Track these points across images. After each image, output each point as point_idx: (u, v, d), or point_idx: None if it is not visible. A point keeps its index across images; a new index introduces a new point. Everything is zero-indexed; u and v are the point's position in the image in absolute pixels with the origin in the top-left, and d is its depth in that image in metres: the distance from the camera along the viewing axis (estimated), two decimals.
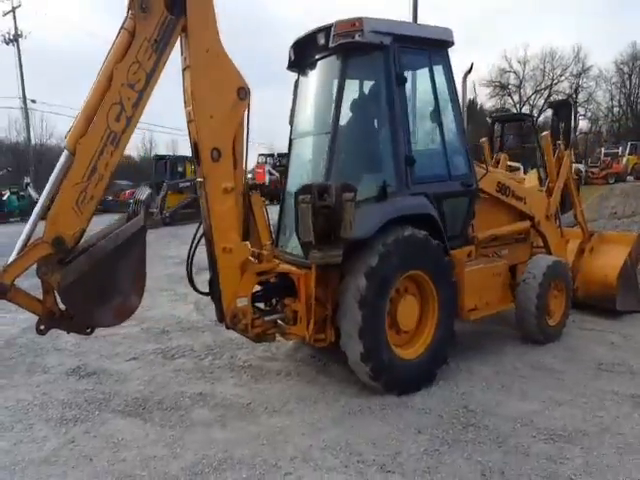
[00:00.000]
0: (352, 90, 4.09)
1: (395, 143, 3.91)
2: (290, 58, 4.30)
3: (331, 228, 3.41)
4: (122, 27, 3.24)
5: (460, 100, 4.86)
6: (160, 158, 22.32)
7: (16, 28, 30.48)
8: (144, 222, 3.31)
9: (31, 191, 22.76)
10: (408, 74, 4.08)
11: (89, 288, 3.13)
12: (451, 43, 4.28)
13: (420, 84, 4.33)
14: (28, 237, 3.11)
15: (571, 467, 2.90)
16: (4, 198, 24.31)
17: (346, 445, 3.17)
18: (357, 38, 3.73)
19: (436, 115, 4.23)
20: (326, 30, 3.86)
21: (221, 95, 3.53)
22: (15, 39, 30.47)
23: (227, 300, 3.74)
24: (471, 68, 4.86)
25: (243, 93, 3.61)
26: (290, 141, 4.50)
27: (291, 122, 4.48)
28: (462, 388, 3.94)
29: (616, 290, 5.35)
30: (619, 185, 8.89)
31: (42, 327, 3.19)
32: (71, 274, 3.06)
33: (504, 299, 4.66)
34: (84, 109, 3.16)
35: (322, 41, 3.88)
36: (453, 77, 4.33)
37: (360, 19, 3.77)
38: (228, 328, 3.86)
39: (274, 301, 4.33)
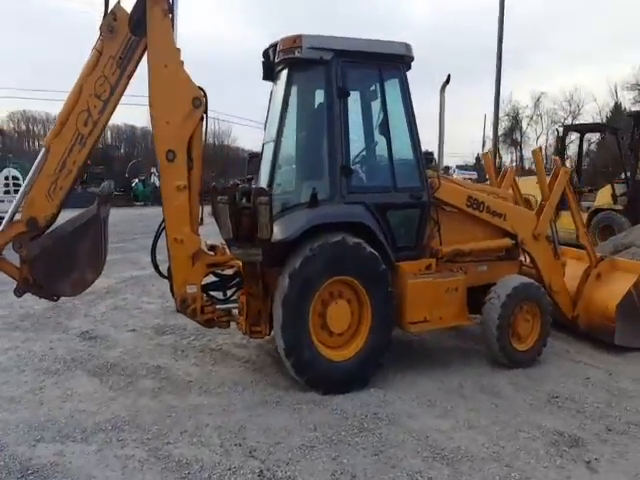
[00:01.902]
0: (298, 102, 4.25)
1: (332, 153, 4.02)
2: (262, 68, 4.59)
3: (252, 229, 3.65)
4: (93, 48, 3.82)
5: (439, 111, 4.78)
6: (254, 156, 23.75)
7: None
8: (97, 211, 3.89)
9: (155, 179, 25.61)
10: (353, 87, 4.15)
11: (50, 262, 3.77)
12: (407, 57, 4.26)
13: (368, 97, 4.34)
14: (12, 215, 3.82)
15: None
16: (133, 185, 27.90)
17: (239, 429, 3.38)
18: (297, 54, 3.96)
19: (384, 128, 4.22)
20: (274, 46, 4.11)
21: (177, 104, 3.96)
22: None
23: (177, 286, 4.15)
24: (448, 79, 4.72)
25: (197, 102, 4.01)
26: (262, 145, 4.79)
27: (264, 128, 4.78)
28: (388, 397, 3.90)
29: (615, 322, 4.76)
30: None
31: (19, 291, 3.89)
32: (35, 249, 3.72)
33: (461, 315, 4.45)
34: (60, 115, 3.81)
35: (272, 56, 4.12)
36: (408, 90, 4.30)
37: (300, 36, 3.98)
38: (178, 311, 4.27)
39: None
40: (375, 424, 3.47)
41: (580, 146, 12.46)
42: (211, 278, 4.52)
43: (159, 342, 5.20)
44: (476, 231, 4.78)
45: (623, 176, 10.70)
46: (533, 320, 4.54)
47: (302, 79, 4.18)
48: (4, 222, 3.80)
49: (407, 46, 4.26)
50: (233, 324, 4.45)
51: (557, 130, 11.63)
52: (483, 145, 11.58)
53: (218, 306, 4.40)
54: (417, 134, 4.36)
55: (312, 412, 3.65)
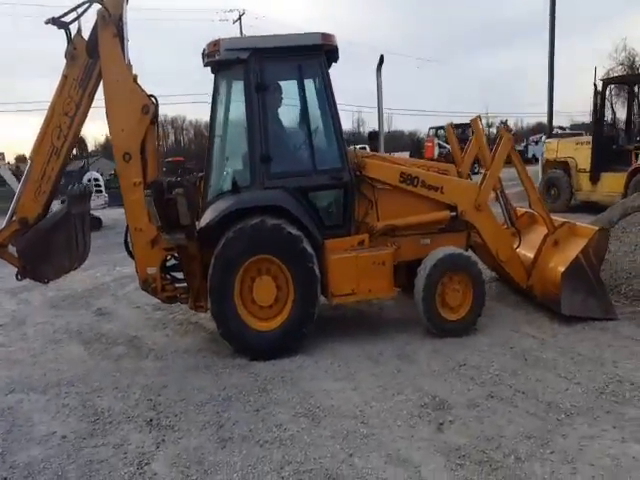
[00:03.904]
0: (224, 99, 4.61)
1: (252, 143, 4.35)
2: None
3: (176, 217, 4.16)
4: (62, 74, 4.53)
5: (377, 92, 4.85)
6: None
7: (242, 34, 36.34)
8: (68, 209, 4.65)
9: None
10: (272, 81, 4.42)
11: (33, 252, 4.62)
12: (325, 46, 4.42)
13: (288, 88, 4.56)
14: (12, 213, 4.72)
15: (268, 435, 3.15)
16: None
17: (160, 388, 3.92)
18: (217, 57, 4.33)
19: (304, 116, 4.45)
20: (204, 50, 4.49)
21: (129, 113, 4.54)
22: None
23: (140, 268, 4.81)
24: (381, 60, 4.74)
25: (146, 109, 4.55)
26: None
27: None
28: (307, 362, 4.20)
29: (561, 291, 4.50)
30: None
31: (19, 276, 4.82)
32: (22, 242, 4.59)
33: (388, 288, 4.56)
34: (39, 131, 4.60)
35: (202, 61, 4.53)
36: (328, 77, 4.46)
37: (218, 40, 4.34)
38: (143, 289, 4.94)
39: None
40: (275, 385, 3.84)
41: (630, 100, 11.01)
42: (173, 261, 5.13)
43: (151, 316, 5.97)
44: (416, 206, 4.81)
45: None
46: (464, 290, 4.50)
47: (225, 79, 4.56)
48: (5, 221, 4.73)
49: (323, 35, 4.42)
50: None
51: (595, 85, 10.18)
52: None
53: (177, 284, 5.00)
54: (337, 118, 4.52)
55: (231, 375, 4.11)
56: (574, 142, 11.10)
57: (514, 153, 5.04)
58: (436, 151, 29.82)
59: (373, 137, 6.76)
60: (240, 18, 35.89)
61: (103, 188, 15.99)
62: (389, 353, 4.31)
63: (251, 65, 4.30)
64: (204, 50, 4.48)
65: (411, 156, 31.88)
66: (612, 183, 9.74)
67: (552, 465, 2.64)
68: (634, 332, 4.32)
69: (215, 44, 4.32)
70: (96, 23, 4.44)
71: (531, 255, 4.98)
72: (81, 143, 14.76)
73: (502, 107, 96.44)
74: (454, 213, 4.78)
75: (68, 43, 4.43)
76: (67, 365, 4.59)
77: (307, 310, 4.36)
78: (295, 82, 4.49)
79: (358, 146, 21.56)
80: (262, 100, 4.32)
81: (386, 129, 52.71)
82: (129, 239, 4.86)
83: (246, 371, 4.15)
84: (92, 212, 6.64)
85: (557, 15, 16.97)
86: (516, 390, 3.48)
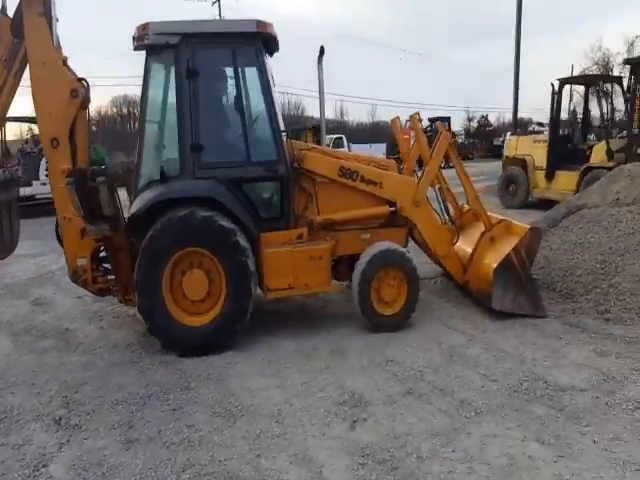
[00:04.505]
0: (154, 85, 4.40)
1: (182, 132, 4.19)
2: None
3: (100, 207, 3.97)
4: None
5: (318, 84, 4.73)
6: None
7: (220, 16, 35.03)
8: None
9: None
10: (204, 67, 4.23)
11: None
12: (260, 34, 4.26)
13: (222, 75, 4.40)
14: None
15: (177, 437, 3.07)
16: None
17: (80, 385, 3.77)
18: (145, 41, 4.13)
19: (238, 105, 4.30)
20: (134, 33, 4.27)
21: (57, 97, 4.30)
22: None
23: (69, 259, 4.61)
24: (322, 51, 4.63)
25: (75, 93, 4.31)
26: None
27: None
28: (237, 358, 4.11)
29: (492, 286, 4.53)
30: (628, 165, 6.66)
31: None
32: None
33: (325, 282, 4.49)
34: None
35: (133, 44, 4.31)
36: (264, 66, 4.31)
37: (147, 24, 4.14)
38: (72, 281, 4.74)
39: None
40: (199, 383, 3.73)
41: (586, 99, 11.19)
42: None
43: (89, 308, 5.76)
44: (356, 200, 4.74)
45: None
46: (399, 286, 4.47)
47: (155, 63, 4.35)
48: None
49: (259, 23, 4.26)
50: None
51: (552, 84, 10.31)
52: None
53: (110, 276, 4.81)
54: (274, 108, 4.38)
55: (156, 372, 3.97)
56: (532, 140, 11.23)
57: (452, 150, 5.02)
58: (412, 144, 29.97)
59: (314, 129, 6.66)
60: (218, 0, 34.89)
61: None
62: (323, 348, 4.25)
63: (181, 50, 4.13)
64: (134, 33, 4.27)
65: (390, 148, 31.93)
66: (566, 181, 9.90)
67: (451, 464, 2.63)
68: (559, 330, 4.35)
69: (144, 27, 4.12)
70: (20, 1, 4.17)
71: (470, 251, 4.99)
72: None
73: (483, 102, 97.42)
74: (393, 208, 4.74)
75: None
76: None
77: (240, 305, 4.25)
78: (229, 69, 4.33)
79: (334, 136, 21.15)
80: (193, 87, 4.15)
81: (369, 120, 52.83)
82: (60, 229, 4.64)
83: (173, 367, 4.03)
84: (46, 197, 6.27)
85: (543, 11, 17.15)
86: (434, 387, 3.47)
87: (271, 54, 4.79)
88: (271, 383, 3.67)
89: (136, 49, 4.25)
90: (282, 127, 4.47)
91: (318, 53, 4.65)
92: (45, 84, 4.23)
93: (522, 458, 2.65)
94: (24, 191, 11.24)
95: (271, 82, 4.40)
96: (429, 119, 32.48)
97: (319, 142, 5.25)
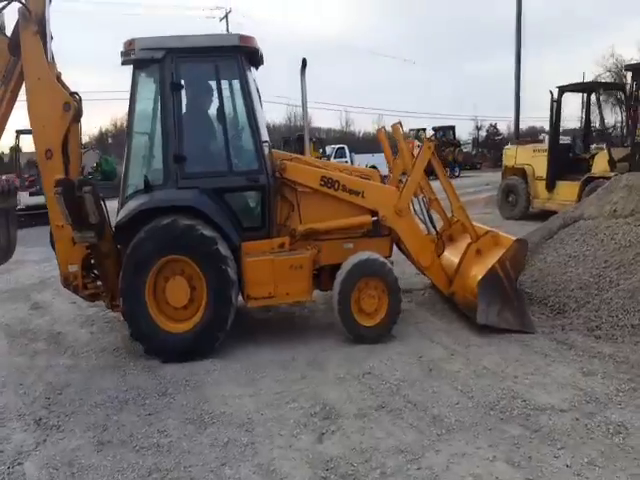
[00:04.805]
0: (140, 98, 4.50)
1: (165, 143, 4.31)
2: None
3: (85, 215, 4.06)
4: None
5: (301, 95, 4.79)
6: (287, 138, 24.26)
7: (228, 31, 35.73)
8: None
9: None
10: (188, 81, 4.36)
11: None
12: (243, 48, 4.36)
13: (205, 88, 4.49)
14: None
15: (147, 441, 3.09)
16: None
17: (63, 387, 3.89)
18: (132, 56, 4.27)
19: (221, 116, 4.40)
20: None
21: (50, 110, 4.43)
22: None
23: (61, 265, 4.71)
24: (304, 63, 4.69)
25: (67, 107, 4.44)
26: None
27: None
28: (216, 366, 4.15)
29: (476, 299, 4.49)
30: (626, 175, 6.51)
31: None
32: None
33: (306, 292, 4.52)
34: None
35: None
36: (246, 78, 4.41)
37: (133, 40, 4.28)
38: (64, 287, 4.84)
39: None
40: (177, 389, 3.79)
41: (587, 108, 11.02)
42: None
43: (83, 313, 5.87)
44: (338, 210, 4.77)
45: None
46: (380, 297, 4.47)
47: (141, 77, 4.48)
48: None
49: (241, 37, 4.37)
50: None
51: (551, 92, 10.05)
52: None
53: (98, 283, 4.90)
54: (255, 120, 4.46)
55: (137, 377, 4.05)
56: (531, 149, 11.10)
57: (435, 160, 5.01)
58: (416, 153, 29.84)
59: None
60: (227, 16, 35.38)
61: None
62: (302, 359, 4.27)
63: (166, 65, 4.26)
64: (122, 49, 4.39)
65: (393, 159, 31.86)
66: (567, 191, 9.76)
67: None
68: (545, 347, 4.25)
69: (130, 43, 4.28)
70: (17, 22, 4.32)
71: (457, 262, 4.96)
72: None
73: (491, 111, 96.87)
74: (376, 218, 4.75)
75: None
76: None
77: (220, 313, 4.29)
78: (212, 83, 4.45)
79: (337, 146, 21.26)
80: (177, 99, 4.27)
81: (375, 129, 52.87)
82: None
83: (153, 373, 4.09)
84: None
85: (552, 18, 17.06)
86: (408, 401, 3.45)
87: (256, 67, 4.88)
88: (245, 392, 3.70)
89: (123, 64, 4.39)
90: (264, 138, 4.54)
91: (301, 65, 4.70)
92: (39, 98, 4.38)
93: (488, 478, 2.61)
94: (39, 199, 11.55)
95: (254, 94, 4.49)
96: (433, 128, 32.37)
97: (302, 152, 5.28)
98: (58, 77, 4.51)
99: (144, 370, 4.15)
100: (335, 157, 22.19)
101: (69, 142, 4.51)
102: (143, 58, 4.24)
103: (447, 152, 29.08)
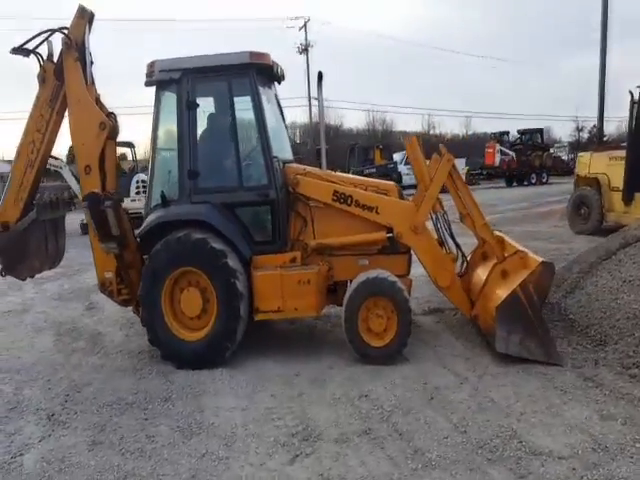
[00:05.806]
0: (162, 116, 4.78)
1: (181, 159, 4.55)
2: None
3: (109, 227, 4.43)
4: (36, 96, 4.99)
5: (319, 109, 4.82)
6: (353, 145, 24.30)
7: (306, 40, 36.66)
8: (36, 216, 5.08)
9: None
10: (203, 99, 4.52)
11: (7, 253, 5.11)
12: (254, 65, 4.50)
13: (219, 106, 4.65)
14: None
15: (134, 445, 3.25)
16: None
17: (71, 386, 4.21)
18: (153, 77, 4.59)
19: (233, 133, 4.54)
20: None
21: (88, 129, 4.90)
22: (305, 49, 36.60)
23: (98, 272, 5.16)
24: (320, 77, 4.68)
25: (103, 126, 4.89)
26: None
27: None
28: (223, 376, 4.26)
29: (495, 326, 4.13)
30: None
31: (3, 273, 5.36)
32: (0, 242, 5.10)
33: (315, 307, 4.48)
34: (17, 147, 5.09)
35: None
36: (258, 95, 4.52)
37: (153, 62, 4.59)
38: (101, 292, 5.28)
39: None
40: (179, 396, 3.95)
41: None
42: None
43: (125, 315, 6.30)
44: (352, 225, 4.71)
45: None
46: (389, 317, 4.30)
47: (163, 97, 4.77)
48: None
49: (252, 54, 4.50)
50: None
51: (631, 92, 8.78)
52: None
53: None
54: (266, 136, 4.56)
55: (151, 381, 4.29)
56: (607, 157, 9.97)
57: (456, 174, 4.71)
58: (497, 158, 28.07)
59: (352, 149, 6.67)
60: (305, 25, 36.53)
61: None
62: (306, 375, 4.24)
63: (182, 84, 4.51)
64: (145, 71, 4.72)
65: (469, 162, 30.11)
66: None
67: None
68: (568, 383, 3.80)
69: (151, 65, 4.59)
70: (61, 49, 4.84)
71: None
72: (132, 147, 15.89)
73: (594, 111, 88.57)
74: (391, 234, 4.59)
75: (40, 67, 4.87)
76: (28, 354, 5.07)
77: (229, 325, 4.41)
78: (225, 100, 4.62)
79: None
80: (192, 117, 4.50)
81: (463, 132, 51.27)
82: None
83: (165, 378, 4.31)
84: (135, 212, 6.95)
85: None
86: (395, 430, 3.28)
87: (279, 82, 4.97)
88: (239, 404, 3.75)
89: (146, 85, 4.72)
90: (278, 152, 4.63)
91: (317, 78, 4.70)
92: (79, 118, 4.84)
93: None
94: None
95: (267, 110, 4.59)
96: (518, 131, 30.23)
97: (320, 165, 5.26)
98: (97, 99, 4.95)
99: (158, 375, 4.38)
100: (405, 164, 21.40)
101: (105, 158, 4.95)
102: (162, 79, 4.54)
103: (534, 157, 27.19)
